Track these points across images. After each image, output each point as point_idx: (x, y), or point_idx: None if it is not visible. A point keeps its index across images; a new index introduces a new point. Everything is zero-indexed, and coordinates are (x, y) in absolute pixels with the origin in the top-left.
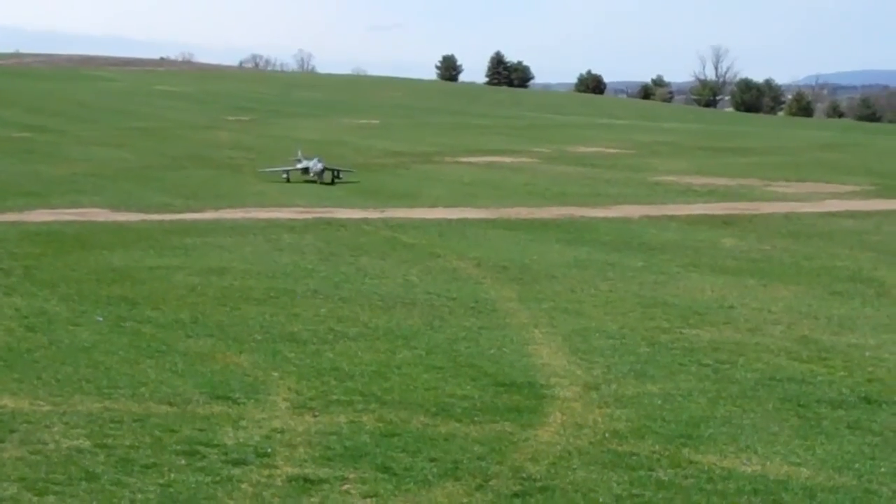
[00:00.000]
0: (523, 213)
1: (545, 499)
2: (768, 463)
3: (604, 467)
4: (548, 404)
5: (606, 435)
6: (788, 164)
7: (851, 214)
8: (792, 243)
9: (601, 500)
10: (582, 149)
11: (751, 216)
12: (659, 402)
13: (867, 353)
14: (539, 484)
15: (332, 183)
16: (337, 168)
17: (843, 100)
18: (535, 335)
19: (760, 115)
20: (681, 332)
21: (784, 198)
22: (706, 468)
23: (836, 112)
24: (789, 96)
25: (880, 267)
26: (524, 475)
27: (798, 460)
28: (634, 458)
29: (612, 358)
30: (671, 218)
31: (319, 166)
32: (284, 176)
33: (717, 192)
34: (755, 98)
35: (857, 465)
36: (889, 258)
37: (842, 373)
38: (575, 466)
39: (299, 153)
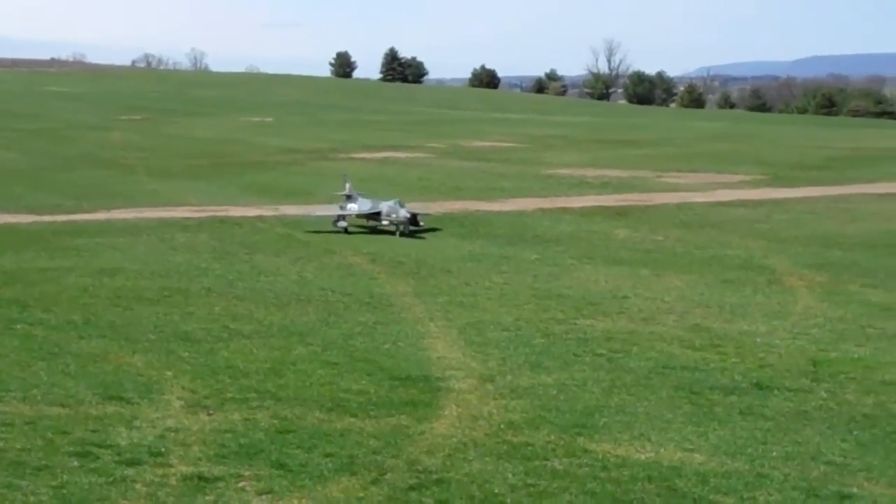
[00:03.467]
0: (418, 207)
1: (441, 491)
2: (662, 450)
3: (499, 458)
4: (443, 397)
5: (502, 426)
6: (680, 155)
7: (742, 203)
8: (684, 233)
9: (496, 490)
10: (476, 143)
11: (644, 207)
12: (554, 392)
13: (758, 340)
14: (435, 476)
15: (408, 233)
16: (413, 212)
17: (733, 91)
18: (430, 329)
19: (653, 107)
20: (575, 323)
21: (676, 188)
22: (601, 456)
23: (727, 103)
24: (681, 88)
25: (771, 255)
26: (420, 468)
27: (691, 446)
28: (529, 448)
29: (507, 350)
30: (565, 210)
31: (404, 213)
32: (342, 224)
33: (611, 183)
34: (648, 90)
35: (749, 450)
36: (779, 246)
37: (734, 360)
38: (470, 458)
39: (347, 186)
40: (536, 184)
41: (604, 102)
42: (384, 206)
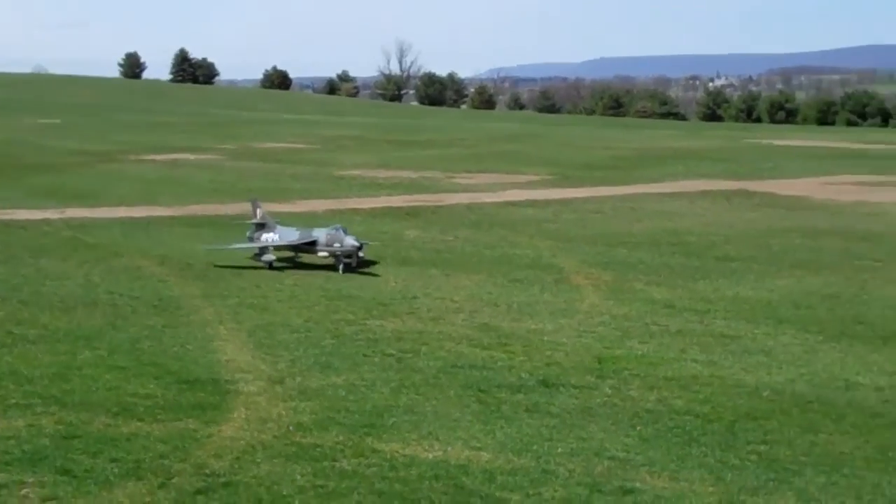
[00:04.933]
0: (209, 209)
1: (228, 494)
2: (450, 448)
3: (288, 460)
4: (232, 400)
5: (291, 428)
6: (471, 155)
7: (531, 203)
8: (474, 233)
9: (285, 492)
10: (268, 144)
11: (434, 208)
12: (343, 393)
13: (546, 338)
14: (222, 479)
15: (354, 268)
16: (361, 241)
17: (523, 92)
18: (219, 332)
19: (444, 109)
20: (365, 324)
21: (467, 189)
22: (389, 456)
23: (517, 104)
24: (472, 89)
25: (558, 254)
26: (207, 472)
27: (479, 445)
28: (318, 449)
29: (296, 351)
30: (356, 211)
31: (351, 242)
32: (267, 259)
33: (402, 184)
34: (439, 91)
35: (535, 447)
36: (567, 245)
37: (521, 358)
38: (259, 460)
39: (258, 212)
40: (328, 185)
41: (395, 104)
42: (321, 235)
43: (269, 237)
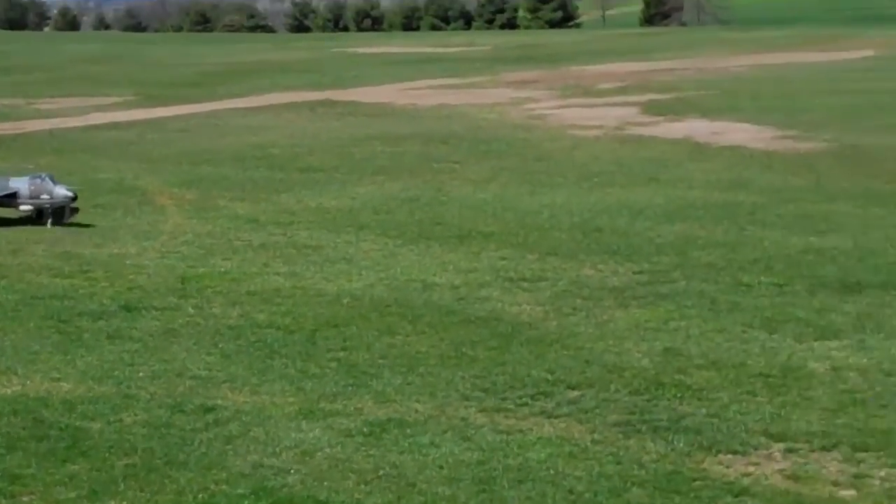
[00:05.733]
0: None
1: None
2: (29, 382)
3: None
4: None
5: None
6: (53, 79)
7: (115, 126)
8: (56, 160)
9: None
10: None
11: (14, 136)
12: None
13: (128, 262)
14: None
15: (67, 220)
16: (73, 190)
17: (109, 12)
18: None
19: (27, 32)
20: None
21: (49, 115)
22: None
23: (102, 24)
24: (55, 11)
25: (142, 176)
26: None
27: (59, 375)
28: None
29: None
30: None
31: (63, 192)
32: None
33: None
34: (21, 15)
35: (116, 373)
36: (150, 166)
37: (103, 284)
38: None
39: None
40: None
41: None
42: (22, 185)
43: None
